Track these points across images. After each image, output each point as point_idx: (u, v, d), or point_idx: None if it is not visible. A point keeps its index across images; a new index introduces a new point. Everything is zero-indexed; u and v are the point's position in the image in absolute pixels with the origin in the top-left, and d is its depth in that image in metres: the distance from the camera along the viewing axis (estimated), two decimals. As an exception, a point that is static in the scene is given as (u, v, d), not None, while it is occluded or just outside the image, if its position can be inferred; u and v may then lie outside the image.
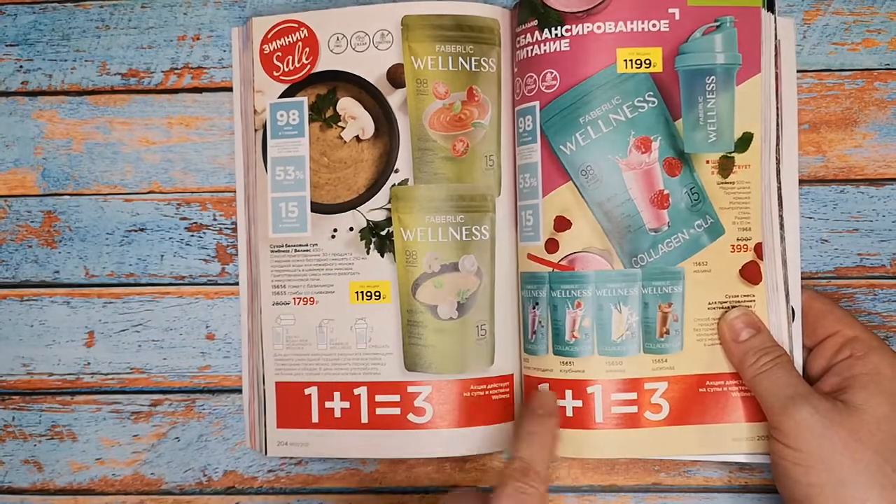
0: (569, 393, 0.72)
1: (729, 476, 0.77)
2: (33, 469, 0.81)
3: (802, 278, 0.74)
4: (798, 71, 0.76)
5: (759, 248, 0.72)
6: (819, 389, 0.68)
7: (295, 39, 0.76)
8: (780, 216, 0.73)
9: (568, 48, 0.71)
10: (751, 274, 0.72)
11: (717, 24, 0.71)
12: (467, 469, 0.79)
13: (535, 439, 0.67)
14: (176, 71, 0.81)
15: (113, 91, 0.81)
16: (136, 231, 0.81)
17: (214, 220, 0.80)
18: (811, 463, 0.65)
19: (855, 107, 0.76)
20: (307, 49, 0.76)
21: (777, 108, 0.73)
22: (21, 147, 0.81)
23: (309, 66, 0.76)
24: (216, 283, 0.80)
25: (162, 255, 0.81)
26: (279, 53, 0.76)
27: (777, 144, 0.73)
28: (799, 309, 0.72)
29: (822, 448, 0.64)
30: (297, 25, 0.76)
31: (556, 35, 0.71)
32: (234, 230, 0.80)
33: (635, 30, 0.71)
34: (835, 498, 0.64)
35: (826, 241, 0.77)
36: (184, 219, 0.80)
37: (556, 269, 0.72)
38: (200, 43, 0.81)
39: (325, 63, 0.76)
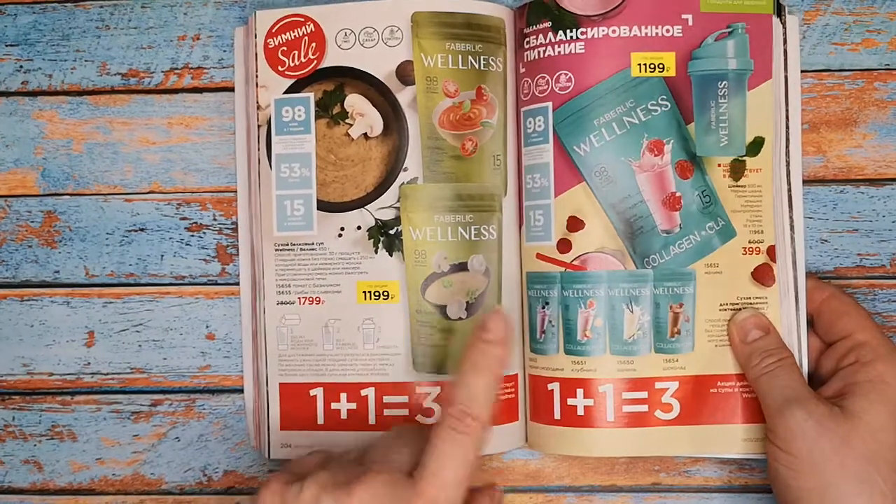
0: (580, 392, 0.72)
1: (728, 476, 0.78)
2: (33, 469, 0.81)
3: (803, 278, 0.74)
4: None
5: (771, 251, 0.72)
6: (822, 393, 0.68)
7: (301, 34, 0.75)
8: (791, 218, 0.73)
9: (583, 51, 0.71)
10: (763, 276, 0.72)
11: (730, 30, 0.72)
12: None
13: (475, 375, 0.60)
14: (176, 71, 0.80)
15: (113, 91, 0.81)
16: (136, 231, 0.80)
17: (214, 220, 0.80)
18: (801, 467, 0.64)
19: (855, 107, 0.77)
20: (314, 44, 0.75)
21: (786, 112, 0.73)
22: (21, 147, 0.81)
23: (315, 61, 0.75)
24: (216, 283, 0.80)
25: (162, 255, 0.80)
26: (284, 48, 0.75)
27: (787, 147, 0.74)
28: (804, 309, 0.73)
29: (813, 453, 0.64)
30: (303, 20, 0.75)
31: (571, 37, 0.72)
32: (235, 230, 0.80)
33: (649, 34, 0.71)
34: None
35: (826, 241, 0.77)
36: (184, 219, 0.80)
37: (568, 269, 0.72)
38: (200, 43, 0.80)
39: (332, 59, 0.75)
